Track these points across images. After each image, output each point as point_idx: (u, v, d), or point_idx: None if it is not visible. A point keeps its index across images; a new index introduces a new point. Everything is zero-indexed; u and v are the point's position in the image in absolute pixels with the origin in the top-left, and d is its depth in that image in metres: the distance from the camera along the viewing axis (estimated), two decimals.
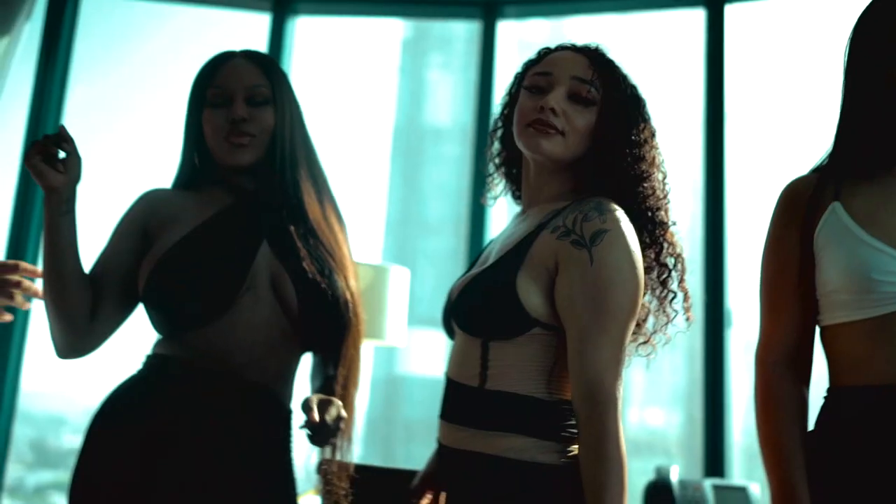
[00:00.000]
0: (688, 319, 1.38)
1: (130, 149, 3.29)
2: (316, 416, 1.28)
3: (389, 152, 5.67)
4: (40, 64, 3.03)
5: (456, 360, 1.34)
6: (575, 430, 1.23)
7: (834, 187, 1.32)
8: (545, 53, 1.41)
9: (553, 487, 1.21)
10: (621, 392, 1.22)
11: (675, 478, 2.20)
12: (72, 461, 1.44)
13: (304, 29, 3.28)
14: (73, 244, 1.44)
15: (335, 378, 1.49)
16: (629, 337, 1.25)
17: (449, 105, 6.11)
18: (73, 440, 4.68)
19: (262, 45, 3.13)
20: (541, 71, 1.37)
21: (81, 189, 1.45)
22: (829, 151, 1.39)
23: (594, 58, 1.37)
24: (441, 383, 1.36)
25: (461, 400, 1.30)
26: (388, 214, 5.64)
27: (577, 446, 1.23)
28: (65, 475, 4.04)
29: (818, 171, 1.39)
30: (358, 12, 3.32)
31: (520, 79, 1.43)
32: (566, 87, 1.33)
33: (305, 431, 1.30)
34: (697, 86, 3.00)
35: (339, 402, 1.36)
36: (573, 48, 1.39)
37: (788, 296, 1.33)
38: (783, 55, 3.42)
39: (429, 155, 6.06)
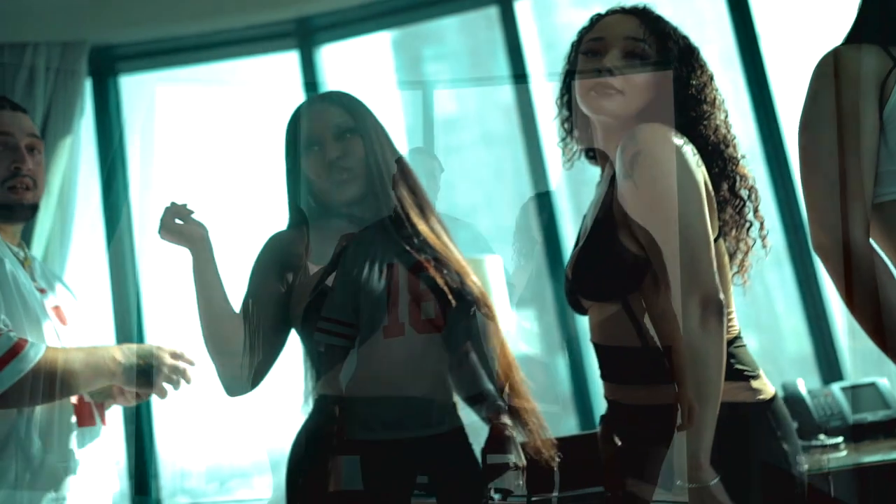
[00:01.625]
0: (764, 246, 1.43)
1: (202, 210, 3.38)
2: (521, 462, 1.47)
3: (407, 152, 5.73)
4: (101, 153, 3.14)
5: (604, 328, 1.39)
6: (743, 366, 1.31)
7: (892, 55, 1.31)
8: (596, 19, 1.49)
9: (741, 424, 1.26)
10: (709, 287, 1.23)
11: (803, 390, 2.25)
12: None
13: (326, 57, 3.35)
14: (222, 287, 1.58)
15: (494, 386, 1.58)
16: (707, 234, 1.25)
17: (454, 94, 6.14)
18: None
19: (296, 80, 3.22)
20: (594, 36, 1.44)
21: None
22: (856, 22, 1.39)
23: (643, 16, 1.44)
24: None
25: (628, 361, 1.35)
26: None
27: (757, 382, 1.31)
28: None
29: (855, 41, 1.37)
30: (375, 28, 3.38)
31: (576, 46, 1.51)
32: (620, 47, 1.40)
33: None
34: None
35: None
36: (622, 10, 1.46)
37: (867, 164, 1.30)
38: None
39: (445, 146, 6.11)
